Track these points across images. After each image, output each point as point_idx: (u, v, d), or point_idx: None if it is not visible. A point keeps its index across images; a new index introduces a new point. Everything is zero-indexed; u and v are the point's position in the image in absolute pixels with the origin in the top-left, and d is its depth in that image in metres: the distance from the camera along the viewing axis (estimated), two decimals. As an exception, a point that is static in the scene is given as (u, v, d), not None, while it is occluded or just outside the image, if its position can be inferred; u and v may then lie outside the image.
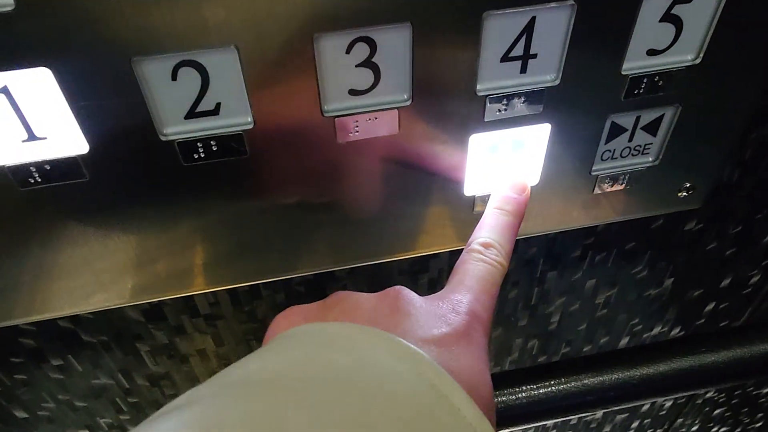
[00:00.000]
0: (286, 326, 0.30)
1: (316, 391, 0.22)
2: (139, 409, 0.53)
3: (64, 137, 0.29)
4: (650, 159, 0.38)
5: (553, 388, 0.46)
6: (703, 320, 0.62)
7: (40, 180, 0.30)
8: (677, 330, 0.62)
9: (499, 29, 0.29)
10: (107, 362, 0.47)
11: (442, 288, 0.31)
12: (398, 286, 0.30)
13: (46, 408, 0.49)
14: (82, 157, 0.30)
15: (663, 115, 0.36)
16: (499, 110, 0.33)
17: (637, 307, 0.58)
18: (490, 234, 0.33)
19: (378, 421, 0.21)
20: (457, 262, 0.32)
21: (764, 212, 0.50)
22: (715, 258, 0.54)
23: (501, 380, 0.49)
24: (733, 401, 0.80)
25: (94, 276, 0.36)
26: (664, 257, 0.52)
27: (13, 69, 0.26)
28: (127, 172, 0.31)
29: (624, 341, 0.62)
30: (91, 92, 0.27)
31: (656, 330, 0.62)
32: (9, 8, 0.24)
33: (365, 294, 0.30)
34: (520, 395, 0.47)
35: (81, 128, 0.29)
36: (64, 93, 0.27)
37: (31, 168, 0.29)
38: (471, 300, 0.29)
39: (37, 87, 0.27)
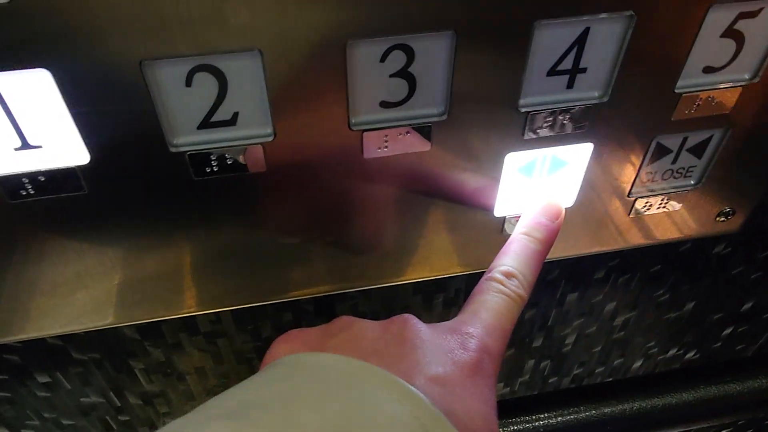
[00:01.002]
0: (284, 352, 0.28)
1: (314, 425, 0.21)
2: (130, 427, 0.50)
3: (61, 146, 0.26)
4: (692, 182, 0.36)
5: (572, 416, 0.44)
6: (719, 344, 0.60)
7: (33, 192, 0.27)
8: (693, 353, 0.60)
9: (549, 40, 0.27)
10: (98, 380, 0.44)
11: (458, 310, 0.29)
12: (406, 315, 0.27)
13: (30, 426, 0.46)
14: (81, 168, 0.27)
15: (711, 136, 0.33)
16: (540, 128, 0.30)
17: (654, 330, 0.55)
18: (513, 263, 0.30)
19: None
20: (475, 289, 0.30)
21: (796, 237, 0.47)
22: (740, 282, 0.51)
23: (518, 408, 0.46)
24: (740, 422, 0.78)
25: (88, 294, 0.33)
26: (689, 280, 0.50)
27: (7, 70, 0.22)
28: (131, 186, 0.28)
29: (637, 363, 0.60)
30: (94, 97, 0.24)
31: (671, 352, 0.60)
32: (3, 2, 0.21)
33: (370, 322, 0.28)
34: (537, 423, 0.44)
35: (81, 136, 0.25)
36: (63, 97, 0.24)
37: (24, 179, 0.26)
38: (482, 335, 0.27)
39: (34, 90, 0.24)
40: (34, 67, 0.23)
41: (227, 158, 0.28)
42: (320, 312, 0.43)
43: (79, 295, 0.33)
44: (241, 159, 0.28)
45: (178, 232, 0.30)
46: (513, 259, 0.31)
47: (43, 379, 0.42)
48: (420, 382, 0.24)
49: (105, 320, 0.35)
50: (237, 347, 0.44)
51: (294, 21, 0.24)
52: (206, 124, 0.26)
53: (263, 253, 0.33)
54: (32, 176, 0.26)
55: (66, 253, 0.30)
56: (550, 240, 0.32)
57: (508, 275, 0.30)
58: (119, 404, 0.47)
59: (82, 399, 0.45)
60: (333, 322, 0.29)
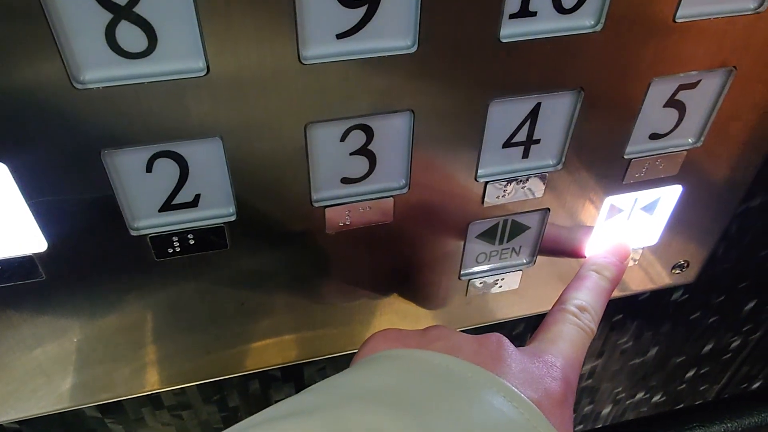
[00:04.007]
0: (383, 349, 0.27)
1: (437, 417, 0.22)
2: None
3: (18, 235, 0.25)
4: (646, 238, 0.37)
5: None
6: (684, 386, 0.61)
7: (-13, 281, 0.26)
8: (659, 396, 0.61)
9: (503, 116, 0.28)
10: (56, 461, 0.42)
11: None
12: (498, 334, 0.28)
13: None
14: (38, 255, 0.26)
15: (662, 196, 0.34)
16: (499, 195, 0.31)
17: (621, 376, 0.56)
18: (587, 297, 0.31)
19: None
20: (548, 318, 0.30)
21: (748, 281, 0.49)
22: (699, 326, 0.53)
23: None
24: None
25: (48, 379, 0.32)
26: (650, 327, 0.51)
27: (-39, 166, 0.22)
28: (90, 270, 0.27)
29: (607, 409, 0.61)
30: (52, 187, 0.24)
31: (639, 396, 0.60)
32: (-41, 100, 0.21)
33: (466, 335, 0.28)
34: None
35: (39, 225, 0.25)
36: (20, 189, 0.24)
37: (-22, 269, 0.26)
38: (565, 366, 0.27)
39: (-11, 183, 0.23)
40: (-10, 161, 0.23)
41: (189, 239, 0.28)
42: (288, 379, 0.43)
43: (39, 380, 0.32)
44: (204, 239, 0.28)
45: (139, 313, 0.30)
46: (586, 294, 0.31)
47: (-3, 463, 0.40)
48: None
49: (65, 403, 0.34)
50: (203, 418, 0.43)
51: (253, 107, 0.24)
52: (168, 206, 0.26)
53: (228, 327, 0.33)
54: (-13, 266, 0.26)
55: (24, 339, 0.29)
56: (618, 279, 0.33)
57: (582, 309, 0.30)
58: (79, 484, 0.45)
59: (39, 481, 0.43)
60: (429, 329, 0.28)
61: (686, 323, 0.52)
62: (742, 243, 0.45)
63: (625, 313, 0.48)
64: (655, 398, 0.61)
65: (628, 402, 0.61)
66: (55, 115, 0.22)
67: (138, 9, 0.20)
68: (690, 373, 0.59)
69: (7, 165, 0.23)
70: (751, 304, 0.53)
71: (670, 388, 0.60)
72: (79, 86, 0.21)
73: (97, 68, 0.22)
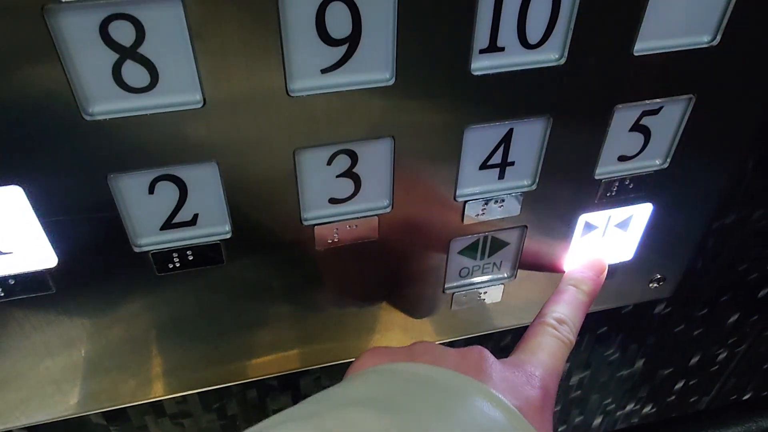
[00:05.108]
0: (371, 365, 0.29)
1: (423, 418, 0.23)
2: None
3: (31, 251, 0.28)
4: (621, 254, 0.39)
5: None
6: (673, 397, 0.62)
7: (2, 294, 0.28)
8: (649, 407, 0.63)
9: (478, 140, 0.30)
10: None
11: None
12: (480, 347, 0.29)
13: None
14: (49, 270, 0.28)
15: (634, 213, 0.36)
16: (478, 214, 0.33)
17: (610, 388, 0.58)
18: (565, 310, 0.33)
19: None
20: (529, 331, 0.32)
21: (729, 294, 0.51)
22: (684, 338, 0.54)
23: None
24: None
25: (56, 386, 0.34)
26: (635, 340, 0.53)
27: (-19, 189, 0.25)
28: (97, 284, 0.30)
29: (597, 420, 0.62)
30: (63, 208, 0.26)
31: (629, 408, 0.62)
32: (-20, 129, 0.23)
33: (448, 348, 0.30)
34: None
35: (50, 242, 0.27)
36: (34, 210, 0.26)
37: (-6, 283, 0.28)
38: (544, 375, 0.29)
39: (6, 204, 0.26)
40: (7, 185, 0.25)
41: (188, 255, 0.30)
42: (285, 388, 0.45)
43: (49, 387, 0.34)
44: (202, 254, 0.30)
45: (143, 324, 0.32)
46: (564, 307, 0.33)
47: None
48: None
49: (72, 410, 0.36)
50: (203, 426, 0.45)
51: (246, 135, 0.26)
52: (168, 225, 0.29)
53: (227, 338, 0.35)
54: (2, 280, 0.28)
55: (36, 349, 0.32)
56: (595, 292, 0.35)
57: (560, 321, 0.32)
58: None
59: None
60: (413, 345, 0.30)
61: (671, 336, 0.53)
62: (721, 258, 0.47)
63: (609, 325, 0.50)
64: (646, 409, 0.63)
65: (618, 413, 0.62)
66: (67, 143, 0.25)
67: (141, 50, 0.23)
68: (679, 385, 0.61)
69: (22, 187, 0.25)
70: (734, 317, 0.54)
71: (659, 399, 0.62)
72: (88, 117, 0.24)
73: (105, 101, 0.24)
